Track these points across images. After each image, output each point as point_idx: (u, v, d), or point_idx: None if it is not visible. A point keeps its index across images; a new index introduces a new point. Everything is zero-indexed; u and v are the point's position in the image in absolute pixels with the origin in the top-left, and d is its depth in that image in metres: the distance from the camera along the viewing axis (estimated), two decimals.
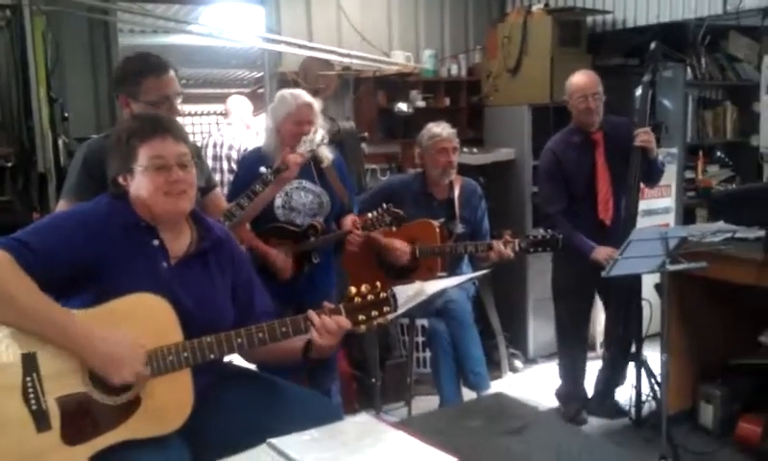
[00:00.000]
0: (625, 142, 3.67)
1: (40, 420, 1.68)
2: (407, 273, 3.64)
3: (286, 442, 1.62)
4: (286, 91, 3.34)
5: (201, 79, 5.66)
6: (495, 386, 4.59)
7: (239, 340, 1.87)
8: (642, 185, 4.14)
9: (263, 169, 2.95)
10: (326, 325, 1.92)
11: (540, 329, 4.98)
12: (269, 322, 1.92)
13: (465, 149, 5.00)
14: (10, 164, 3.45)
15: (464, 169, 4.99)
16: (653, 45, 3.78)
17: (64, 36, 3.98)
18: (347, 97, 4.91)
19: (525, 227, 4.84)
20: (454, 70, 5.27)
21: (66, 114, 3.63)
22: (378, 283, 2.02)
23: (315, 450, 1.59)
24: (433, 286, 2.92)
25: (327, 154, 3.26)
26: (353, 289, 1.99)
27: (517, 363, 4.90)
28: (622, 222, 3.67)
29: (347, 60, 4.75)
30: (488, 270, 3.48)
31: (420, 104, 5.00)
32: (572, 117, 3.85)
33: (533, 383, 4.65)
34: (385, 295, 1.99)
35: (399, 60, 4.90)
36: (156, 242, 1.93)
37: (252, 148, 3.45)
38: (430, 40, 5.31)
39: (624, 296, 3.75)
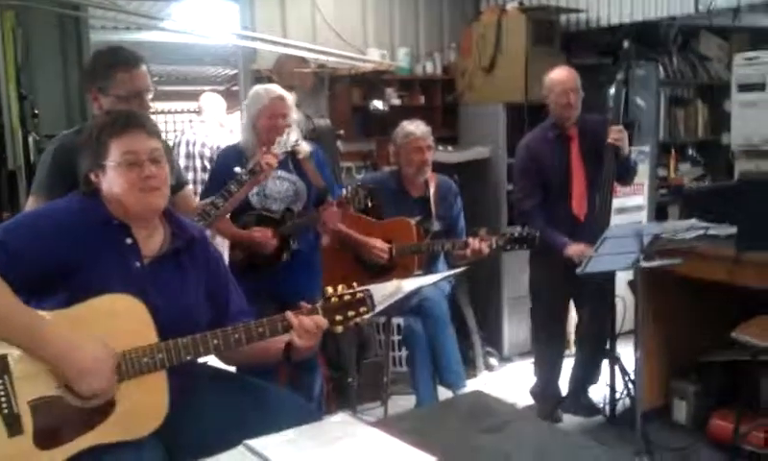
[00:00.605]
0: (599, 140, 3.70)
1: (12, 424, 1.64)
2: (384, 272, 3.64)
3: (263, 443, 1.61)
4: (260, 87, 3.35)
5: (174, 76, 5.59)
6: (471, 385, 4.59)
7: (215, 341, 1.84)
8: (617, 185, 4.21)
9: (238, 169, 2.94)
10: (305, 324, 1.91)
11: (515, 328, 5.01)
12: (245, 322, 1.90)
13: (440, 147, 5.01)
14: None
15: (439, 167, 4.99)
16: (626, 44, 3.81)
17: (34, 31, 3.90)
18: (322, 94, 4.88)
19: (500, 224, 4.86)
20: (429, 68, 5.27)
21: (36, 111, 3.56)
22: (355, 284, 2.02)
23: (292, 451, 1.59)
24: (410, 284, 2.92)
25: (305, 146, 3.27)
26: (330, 289, 1.98)
27: (493, 361, 4.92)
28: (595, 218, 3.70)
29: (322, 58, 4.72)
30: (465, 268, 3.48)
31: (396, 102, 5.00)
32: (549, 113, 3.86)
33: (508, 381, 4.67)
34: (362, 295, 1.99)
35: (375, 57, 4.89)
36: (128, 240, 1.89)
37: (229, 144, 3.43)
38: (405, 38, 5.31)
39: (597, 293, 3.78)
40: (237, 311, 2.06)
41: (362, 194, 3.22)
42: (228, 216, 3.19)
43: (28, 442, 1.66)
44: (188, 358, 1.82)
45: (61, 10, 3.98)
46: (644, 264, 3.00)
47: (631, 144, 5.27)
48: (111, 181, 1.87)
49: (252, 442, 1.62)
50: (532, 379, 4.20)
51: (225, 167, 3.17)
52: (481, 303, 5.05)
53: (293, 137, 3.03)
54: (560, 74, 3.77)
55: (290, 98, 3.26)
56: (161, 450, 1.82)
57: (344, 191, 3.24)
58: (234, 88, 5.73)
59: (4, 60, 3.36)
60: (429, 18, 5.44)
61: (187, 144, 5.32)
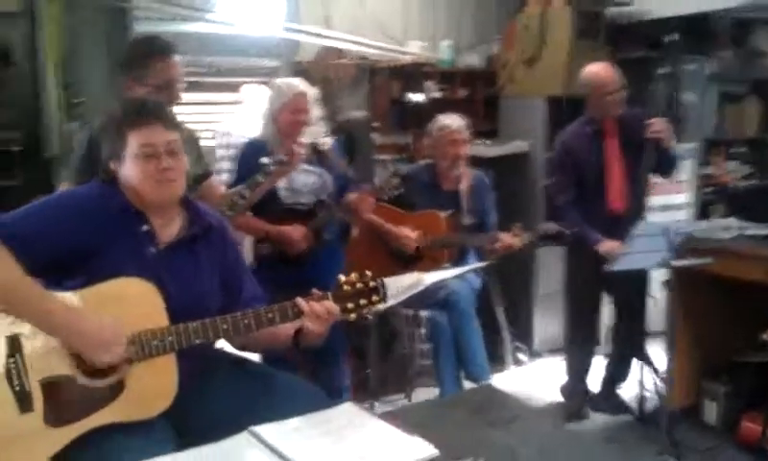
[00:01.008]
0: (639, 134, 3.62)
1: (23, 401, 1.70)
2: (414, 263, 3.65)
3: (267, 430, 1.64)
4: (282, 81, 3.38)
5: (216, 67, 5.64)
6: (498, 379, 4.57)
7: (225, 326, 1.87)
8: (658, 179, 4.12)
9: (265, 160, 2.96)
10: (315, 310, 1.93)
11: (547, 324, 4.94)
12: (256, 308, 1.92)
13: (477, 141, 4.98)
14: (18, 149, 3.48)
15: (476, 161, 4.97)
16: (672, 37, 3.71)
17: (81, 22, 3.99)
18: (361, 87, 4.89)
19: (537, 220, 4.77)
20: (472, 61, 5.22)
21: (77, 100, 3.65)
22: (368, 272, 2.03)
23: (294, 439, 1.60)
24: (432, 277, 2.92)
25: (326, 139, 3.29)
26: (342, 277, 2.00)
27: (522, 357, 4.87)
28: (633, 213, 3.63)
29: (362, 50, 4.73)
30: (487, 262, 3.45)
31: (435, 94, 4.97)
32: (587, 108, 3.80)
33: (536, 377, 4.62)
34: (374, 284, 2.00)
35: (415, 50, 4.87)
36: (144, 227, 1.93)
37: (251, 138, 3.46)
38: (449, 30, 5.27)
39: (630, 291, 3.72)
40: (250, 298, 2.09)
41: (395, 182, 3.24)
42: (250, 212, 3.21)
43: (38, 419, 1.71)
44: (198, 342, 1.85)
45: (108, 1, 4.06)
46: (675, 263, 2.93)
47: (676, 140, 5.20)
48: (129, 171, 1.91)
49: (257, 428, 1.64)
50: (560, 376, 4.16)
51: (247, 161, 3.20)
52: (512, 298, 4.99)
53: (318, 128, 3.06)
54: (603, 74, 3.66)
55: (312, 93, 3.27)
56: (171, 432, 1.86)
57: (377, 180, 3.26)
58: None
59: (48, 50, 3.44)
60: (475, 10, 5.40)
61: (228, 135, 5.39)
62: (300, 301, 1.93)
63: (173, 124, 1.96)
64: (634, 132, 3.66)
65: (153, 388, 1.82)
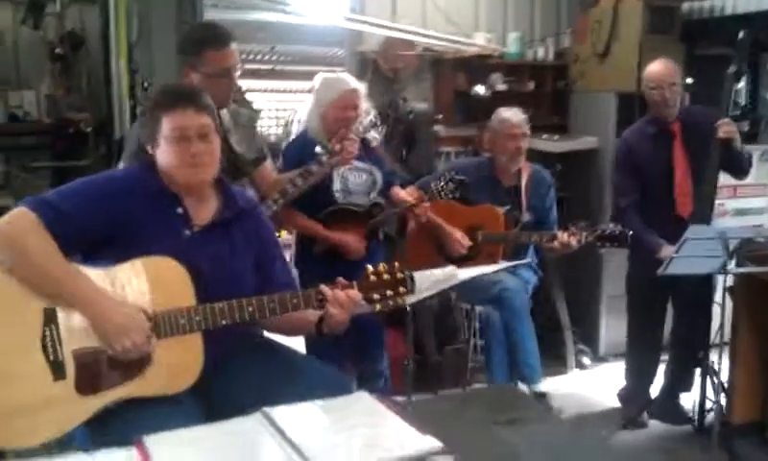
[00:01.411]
0: (706, 133, 3.48)
1: (57, 369, 1.78)
2: (468, 259, 3.61)
3: (279, 412, 1.65)
4: (331, 76, 3.36)
5: (284, 55, 5.75)
6: (559, 381, 4.50)
7: (250, 308, 1.91)
8: (734, 181, 3.95)
9: (318, 149, 2.98)
10: (338, 297, 1.96)
11: (613, 327, 4.78)
12: (281, 293, 1.95)
13: (545, 135, 4.89)
14: (89, 129, 3.64)
15: (542, 156, 4.89)
16: (742, 34, 3.55)
17: (152, 7, 4.13)
18: (426, 78, 4.87)
19: (603, 219, 4.64)
20: (541, 53, 5.12)
21: (147, 84, 3.78)
22: (396, 264, 2.03)
23: (302, 423, 1.62)
24: (467, 272, 2.87)
25: (374, 134, 3.28)
26: (370, 267, 2.02)
27: (585, 360, 4.76)
28: (698, 217, 3.49)
29: (427, 41, 4.71)
30: (512, 263, 3.38)
31: (501, 87, 4.89)
32: (648, 107, 3.69)
33: (598, 382, 4.51)
34: (402, 275, 2.01)
35: (480, 41, 4.81)
36: (179, 210, 1.99)
37: (298, 133, 3.48)
38: (518, 22, 5.18)
39: (693, 298, 3.58)
40: (282, 283, 2.12)
41: (450, 187, 3.21)
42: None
43: (70, 386, 1.79)
44: (224, 322, 1.89)
45: None
46: (731, 269, 2.80)
47: (756, 142, 4.97)
48: (163, 153, 1.97)
49: (270, 410, 1.66)
50: (623, 382, 4.04)
51: (292, 154, 3.23)
52: (579, 299, 4.89)
53: (368, 119, 3.06)
54: (656, 68, 3.58)
55: (361, 89, 3.24)
56: (199, 409, 1.91)
57: (433, 185, 3.23)
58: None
59: (117, 35, 3.58)
60: (545, 3, 5.30)
61: (299, 123, 5.47)
62: (324, 288, 1.96)
63: (205, 108, 1.99)
64: (701, 132, 3.52)
65: (179, 364, 1.88)
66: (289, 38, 5.96)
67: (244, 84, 4.28)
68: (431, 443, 1.46)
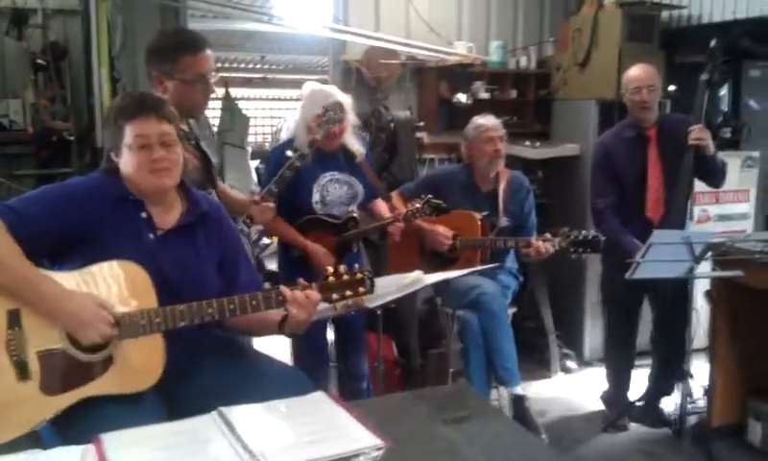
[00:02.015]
0: (681, 139, 3.53)
1: (21, 370, 1.82)
2: (447, 264, 3.65)
3: (234, 411, 1.69)
4: (317, 88, 3.34)
5: (280, 64, 5.84)
6: (543, 385, 4.54)
7: (210, 310, 1.95)
8: (716, 189, 4.01)
9: (289, 153, 3.01)
10: (297, 297, 2.00)
11: (598, 332, 4.83)
12: (241, 294, 1.99)
13: (527, 142, 4.94)
14: (72, 138, 3.69)
15: (525, 163, 4.94)
16: (712, 43, 3.61)
17: (136, 19, 4.19)
18: (410, 86, 4.93)
19: (586, 224, 4.68)
20: (523, 62, 5.18)
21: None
22: (356, 265, 2.08)
23: (255, 421, 1.66)
24: (433, 277, 2.92)
25: (359, 147, 3.31)
26: (330, 269, 2.08)
27: (570, 364, 4.80)
28: (669, 221, 3.53)
29: (407, 50, 4.76)
30: (480, 268, 3.42)
31: (484, 95, 4.95)
32: (627, 111, 3.74)
33: (582, 385, 4.55)
34: (361, 276, 2.05)
35: (461, 50, 4.87)
36: (143, 215, 2.03)
37: (283, 142, 3.51)
38: (501, 31, 5.25)
39: (670, 301, 3.61)
40: (246, 284, 2.16)
41: (428, 210, 3.25)
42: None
43: (35, 387, 1.83)
44: (183, 324, 1.93)
45: (162, 1, 4.24)
46: (699, 274, 2.83)
47: (738, 148, 5.01)
48: (126, 161, 2.01)
49: (225, 409, 1.69)
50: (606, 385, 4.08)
51: (276, 159, 3.23)
52: (564, 303, 4.93)
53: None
54: (635, 71, 3.65)
55: (347, 102, 3.24)
56: (161, 406, 1.95)
57: (410, 205, 3.27)
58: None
59: (98, 45, 3.63)
60: (529, 12, 5.36)
61: (288, 130, 5.54)
62: (283, 288, 2.01)
63: (167, 116, 2.03)
64: (675, 137, 3.57)
65: (140, 364, 1.92)
66: (278, 48, 6.05)
67: (238, 92, 4.32)
68: (372, 439, 1.49)
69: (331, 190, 3.35)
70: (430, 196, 3.31)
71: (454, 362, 4.03)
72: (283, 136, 5.48)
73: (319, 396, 1.81)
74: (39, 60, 3.75)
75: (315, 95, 3.27)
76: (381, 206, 3.52)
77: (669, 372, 3.81)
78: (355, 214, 3.37)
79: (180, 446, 1.56)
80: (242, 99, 4.80)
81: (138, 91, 2.08)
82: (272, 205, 2.87)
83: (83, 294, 1.87)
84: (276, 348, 3.05)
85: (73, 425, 1.84)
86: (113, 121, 2.03)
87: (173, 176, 2.05)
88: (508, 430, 1.59)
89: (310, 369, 2.66)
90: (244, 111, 4.93)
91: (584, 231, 3.42)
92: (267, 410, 1.73)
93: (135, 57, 4.20)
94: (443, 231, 3.66)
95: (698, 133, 3.46)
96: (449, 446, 1.54)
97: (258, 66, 6.33)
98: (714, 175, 3.69)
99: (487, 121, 3.75)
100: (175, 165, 2.04)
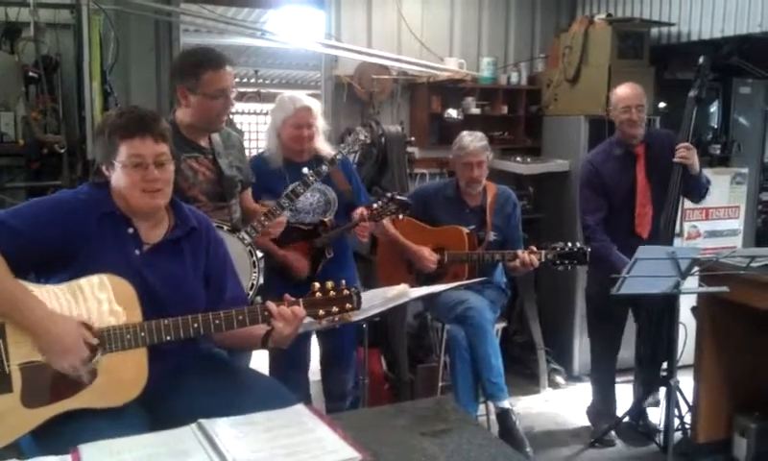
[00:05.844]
0: (668, 156, 3.58)
1: (3, 382, 1.83)
2: (435, 279, 3.67)
3: (213, 423, 1.70)
4: (286, 95, 3.38)
5: (274, 79, 5.87)
6: (532, 401, 4.55)
7: (195, 325, 1.96)
8: (707, 205, 4.03)
9: (305, 170, 3.06)
10: (283, 313, 2.01)
11: (587, 347, 4.82)
12: (227, 310, 2.01)
13: (518, 158, 4.98)
14: (63, 150, 3.71)
15: (516, 179, 4.97)
16: (701, 60, 3.65)
17: (130, 33, 4.23)
18: (401, 102, 4.96)
19: (577, 239, 4.73)
20: (514, 78, 5.22)
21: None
22: (343, 281, 2.09)
23: (234, 433, 1.66)
24: (417, 291, 2.93)
25: (330, 150, 3.30)
26: (317, 285, 2.08)
27: (559, 379, 4.82)
28: (658, 237, 3.56)
29: (399, 66, 4.80)
30: (466, 282, 3.43)
31: (475, 111, 4.98)
32: (615, 129, 3.77)
33: (570, 401, 4.56)
34: (348, 292, 2.07)
35: (452, 66, 4.90)
36: (130, 230, 2.04)
37: (256, 154, 3.52)
38: (492, 48, 5.29)
39: (656, 316, 3.63)
40: (232, 298, 2.17)
41: (393, 207, 3.23)
42: None
43: (16, 399, 1.84)
44: (168, 339, 1.94)
45: (156, 16, 4.27)
46: (684, 290, 2.85)
47: (728, 165, 5.06)
48: (118, 177, 2.02)
49: (205, 421, 1.70)
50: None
51: (258, 175, 3.20)
52: (552, 318, 4.95)
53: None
54: (624, 90, 3.69)
55: (316, 107, 3.27)
56: (143, 419, 1.95)
57: (375, 205, 3.25)
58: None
59: (90, 59, 3.66)
60: (520, 28, 5.40)
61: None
62: (269, 304, 2.02)
63: (163, 136, 2.04)
64: (662, 154, 3.61)
65: (123, 378, 1.93)
66: (272, 62, 6.09)
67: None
68: (350, 452, 1.51)
69: (302, 199, 3.30)
70: (395, 193, 3.30)
71: (444, 377, 4.05)
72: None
73: (299, 408, 1.82)
74: (31, 73, 3.77)
75: (282, 100, 3.32)
76: (358, 210, 3.49)
77: (652, 386, 3.83)
78: (326, 220, 3.34)
79: (158, 457, 1.57)
80: (235, 113, 4.81)
81: (134, 107, 2.08)
82: (282, 218, 2.99)
83: (65, 318, 1.87)
84: (255, 358, 3.07)
85: (53, 437, 1.85)
86: (107, 136, 2.03)
87: (165, 195, 2.06)
88: (488, 444, 1.60)
89: (287, 380, 2.63)
90: (237, 125, 4.97)
91: (569, 243, 3.45)
92: (246, 422, 1.74)
93: (128, 70, 4.25)
94: (428, 256, 3.66)
95: (683, 153, 3.49)
96: (428, 459, 1.55)
97: (252, 81, 6.38)
98: (697, 193, 3.74)
99: (470, 143, 3.72)
100: (167, 185, 2.05)
